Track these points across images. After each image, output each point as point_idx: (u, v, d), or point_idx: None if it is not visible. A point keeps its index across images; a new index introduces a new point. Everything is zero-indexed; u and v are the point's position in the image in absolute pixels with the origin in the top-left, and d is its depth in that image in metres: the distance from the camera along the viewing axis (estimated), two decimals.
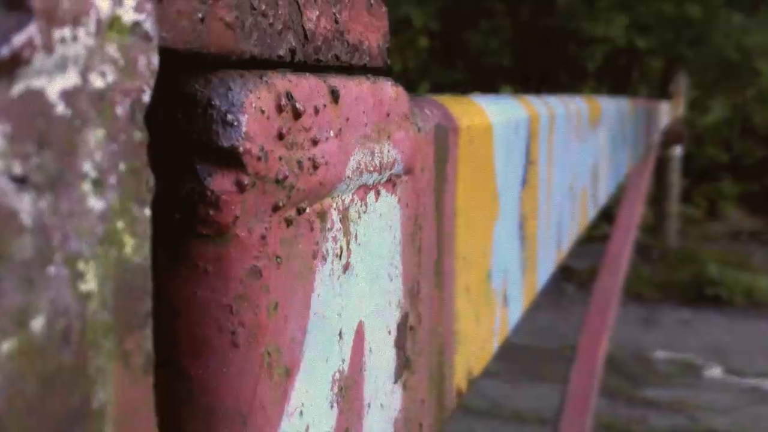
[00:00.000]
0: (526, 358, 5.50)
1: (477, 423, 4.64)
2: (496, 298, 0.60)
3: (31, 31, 0.13)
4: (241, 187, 0.25)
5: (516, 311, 0.67)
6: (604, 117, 1.30)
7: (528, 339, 5.74)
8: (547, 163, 0.78)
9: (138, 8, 0.17)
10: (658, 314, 6.65)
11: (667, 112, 5.32)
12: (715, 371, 5.52)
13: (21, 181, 0.14)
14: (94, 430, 0.16)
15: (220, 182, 0.25)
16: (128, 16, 0.17)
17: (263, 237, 0.26)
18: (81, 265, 0.16)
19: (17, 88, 0.14)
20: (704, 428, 4.63)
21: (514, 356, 5.48)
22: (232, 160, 0.25)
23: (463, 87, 9.82)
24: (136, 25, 0.17)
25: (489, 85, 10.40)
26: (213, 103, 0.25)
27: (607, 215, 3.78)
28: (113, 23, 0.16)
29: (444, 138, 0.46)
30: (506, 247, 0.62)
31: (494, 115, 0.58)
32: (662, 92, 7.55)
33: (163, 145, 0.25)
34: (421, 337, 0.42)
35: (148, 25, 0.18)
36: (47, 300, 0.15)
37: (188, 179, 0.25)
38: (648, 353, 5.78)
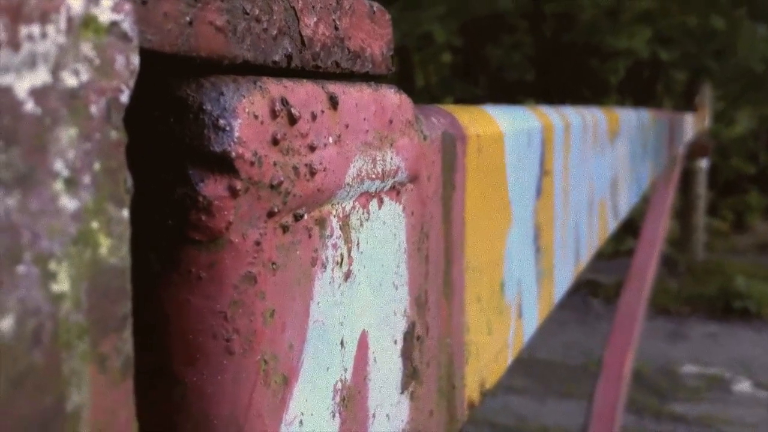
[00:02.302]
0: (553, 374, 5.46)
1: None
2: (509, 309, 0.59)
3: None
4: (234, 193, 0.25)
5: (531, 323, 0.66)
6: (624, 128, 1.29)
7: (554, 355, 5.70)
8: (563, 173, 0.78)
9: (116, 8, 0.17)
10: (686, 328, 6.59)
11: (691, 124, 5.29)
12: (743, 385, 5.45)
13: None
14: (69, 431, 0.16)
15: (213, 187, 0.25)
16: (105, 15, 0.17)
17: (258, 243, 0.26)
18: (53, 265, 0.15)
19: None
20: None
21: (541, 372, 5.45)
22: (224, 165, 0.25)
23: (485, 102, 9.78)
24: (114, 24, 0.17)
25: (511, 100, 10.38)
26: (205, 107, 0.25)
27: (633, 229, 3.76)
28: (88, 22, 0.16)
29: (451, 146, 0.45)
30: (520, 258, 0.62)
31: (505, 124, 0.58)
32: (687, 104, 7.50)
33: (155, 150, 0.25)
34: (429, 348, 0.42)
35: (127, 26, 0.18)
36: (16, 299, 0.14)
37: (180, 185, 0.25)
38: (675, 367, 5.72)
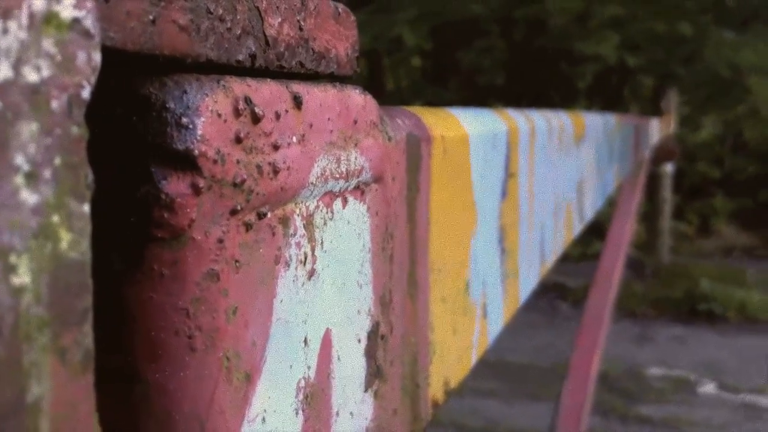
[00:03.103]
0: (522, 376, 5.49)
1: None
2: (474, 309, 0.60)
3: None
4: (196, 190, 0.25)
5: (496, 323, 0.66)
6: (590, 132, 1.30)
7: (523, 357, 5.73)
8: (529, 175, 0.78)
9: (78, 5, 0.18)
10: (652, 331, 6.65)
11: (657, 129, 5.34)
12: (708, 387, 5.52)
13: None
14: (29, 424, 0.16)
15: (176, 185, 0.25)
16: (67, 12, 0.17)
17: (221, 241, 0.26)
18: (13, 258, 0.16)
19: None
20: None
21: (510, 375, 5.47)
22: (187, 163, 0.25)
23: (456, 106, 9.82)
24: (76, 21, 0.18)
25: (482, 104, 10.42)
26: (168, 106, 0.25)
27: (600, 232, 3.79)
28: (50, 18, 0.17)
29: (416, 147, 0.46)
30: (485, 259, 0.62)
31: (471, 127, 0.58)
32: (654, 110, 7.58)
33: (118, 148, 0.25)
34: (393, 346, 0.42)
35: (89, 23, 0.18)
36: None
37: (143, 182, 0.25)
38: (642, 370, 5.78)
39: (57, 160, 0.17)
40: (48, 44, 0.16)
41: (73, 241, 0.17)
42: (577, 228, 1.22)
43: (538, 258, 0.86)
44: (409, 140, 0.45)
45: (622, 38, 8.43)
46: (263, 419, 0.29)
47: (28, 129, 0.16)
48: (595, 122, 1.44)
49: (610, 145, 1.75)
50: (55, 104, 0.17)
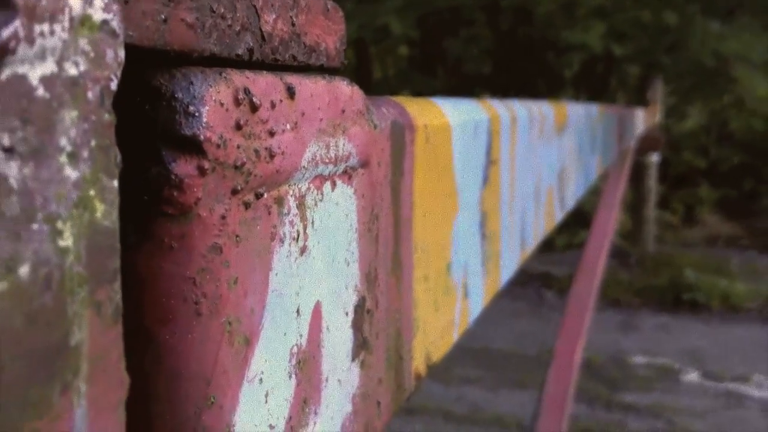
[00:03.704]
0: (507, 364, 5.54)
1: (458, 428, 4.67)
2: (456, 289, 0.63)
3: (16, 25, 0.16)
4: (202, 172, 0.28)
5: (477, 303, 0.70)
6: (571, 122, 1.33)
7: (508, 345, 5.78)
8: (510, 163, 0.82)
9: (106, 8, 0.20)
10: (636, 319, 6.71)
11: (642, 119, 5.38)
12: (692, 376, 5.58)
13: (9, 151, 0.17)
14: (71, 364, 0.19)
15: (183, 167, 0.28)
16: (98, 15, 0.20)
17: (223, 217, 0.30)
18: (59, 224, 0.19)
19: (4, 74, 0.17)
20: None
21: (495, 363, 5.52)
22: (193, 147, 0.28)
23: (442, 95, 9.86)
24: (105, 23, 0.20)
25: (469, 93, 10.45)
26: (176, 95, 0.28)
27: (586, 222, 3.84)
28: (84, 21, 0.19)
29: (400, 135, 0.49)
30: (466, 242, 0.66)
31: (453, 116, 0.61)
32: (640, 99, 7.63)
33: (133, 134, 0.28)
34: (378, 320, 0.46)
35: (115, 24, 0.21)
36: (31, 251, 0.18)
37: (155, 164, 0.28)
38: (626, 358, 5.83)
39: (93, 142, 0.20)
40: (83, 43, 0.19)
41: (105, 211, 0.20)
42: (559, 215, 1.25)
43: (518, 243, 0.90)
44: (394, 128, 0.48)
45: (608, 27, 8.47)
46: (260, 380, 0.33)
47: (70, 116, 0.19)
48: (577, 112, 1.47)
49: (593, 135, 1.78)
50: (90, 95, 0.20)
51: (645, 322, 6.67)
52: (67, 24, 0.18)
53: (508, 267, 0.84)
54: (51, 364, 0.18)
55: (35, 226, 0.18)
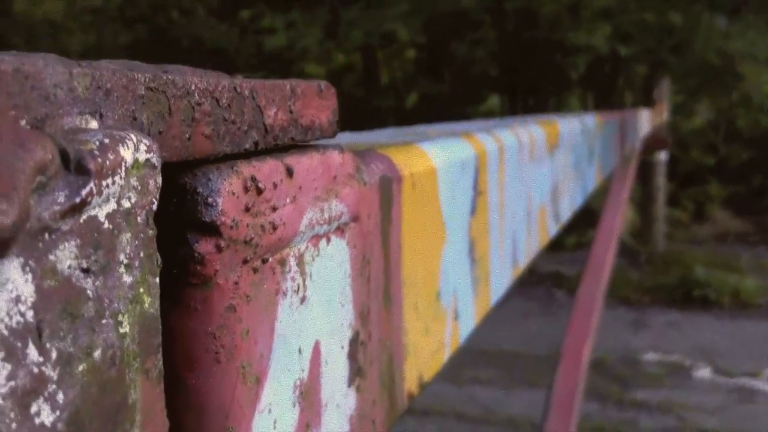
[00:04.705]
0: (518, 364, 5.61)
1: (471, 429, 4.74)
2: (446, 313, 0.70)
3: (91, 185, 0.24)
4: (219, 249, 0.36)
5: (468, 323, 0.77)
6: (564, 139, 1.40)
7: (519, 346, 5.85)
8: (498, 191, 0.89)
9: (148, 149, 0.28)
10: (647, 317, 6.76)
11: (647, 120, 5.43)
12: (703, 372, 5.63)
13: (86, 271, 0.24)
14: (129, 417, 0.26)
15: (204, 246, 0.35)
16: (142, 156, 0.27)
17: (236, 283, 0.37)
18: (120, 317, 0.26)
19: (83, 218, 0.24)
20: (693, 428, 4.74)
21: (507, 363, 5.59)
22: (212, 230, 0.35)
23: (450, 99, 9.95)
24: (148, 161, 0.28)
25: (476, 95, 10.53)
26: (198, 190, 0.35)
27: (595, 222, 3.90)
28: (134, 165, 0.27)
29: (388, 187, 0.56)
30: (455, 269, 0.73)
31: (438, 158, 0.69)
32: (647, 98, 7.68)
33: (165, 221, 0.35)
34: (371, 350, 0.53)
35: (154, 159, 0.28)
36: (102, 339, 0.25)
37: (182, 245, 0.35)
38: (637, 356, 5.89)
39: (141, 254, 0.27)
40: (133, 181, 0.27)
41: (151, 302, 0.28)
42: (553, 229, 1.32)
43: (510, 262, 0.97)
44: (382, 182, 0.55)
45: (614, 28, 8.52)
46: (269, 410, 0.40)
47: (126, 237, 0.26)
48: (571, 127, 1.54)
49: (590, 146, 1.85)
50: (139, 219, 0.27)
51: (655, 320, 6.72)
52: (123, 173, 0.26)
53: (499, 286, 0.91)
54: (116, 418, 0.25)
55: (104, 321, 0.25)
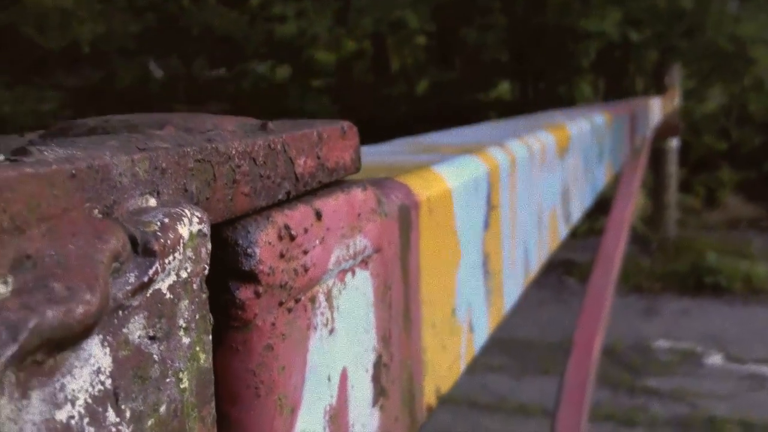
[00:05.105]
0: (530, 352, 5.65)
1: (483, 417, 4.79)
2: (461, 327, 0.74)
3: (156, 265, 0.27)
4: (257, 294, 0.39)
5: (482, 334, 0.81)
6: (575, 142, 1.43)
7: (531, 333, 5.88)
8: (510, 204, 0.92)
9: (200, 221, 0.31)
10: (658, 304, 6.78)
11: (659, 108, 5.44)
12: (715, 359, 5.65)
13: (152, 338, 0.28)
14: None
15: (244, 293, 0.39)
16: (195, 228, 0.31)
17: (273, 324, 0.41)
18: (180, 375, 0.29)
19: (149, 291, 0.28)
20: (705, 415, 4.76)
21: (518, 351, 5.63)
22: (251, 278, 0.39)
23: (460, 86, 9.96)
24: (200, 231, 0.31)
25: (487, 82, 10.54)
26: (238, 242, 0.39)
27: (607, 209, 3.92)
28: (190, 238, 0.30)
29: (407, 215, 0.60)
30: (469, 284, 0.76)
31: (452, 179, 0.72)
32: (658, 83, 7.68)
33: (210, 272, 0.39)
34: (393, 370, 0.57)
35: (206, 228, 0.32)
36: (166, 396, 0.28)
37: (224, 292, 0.39)
38: (648, 343, 5.91)
39: (197, 316, 0.31)
40: (189, 252, 0.30)
41: (205, 358, 0.31)
42: (564, 232, 1.35)
43: (522, 270, 1.00)
44: (401, 211, 0.59)
45: (624, 14, 8.50)
46: None
47: (184, 304, 0.30)
48: (581, 130, 1.57)
49: (600, 145, 1.88)
50: (194, 285, 0.30)
51: (667, 307, 6.74)
52: (181, 248, 0.29)
53: (512, 294, 0.94)
54: None
55: (168, 380, 0.29)
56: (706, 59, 8.92)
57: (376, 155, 0.85)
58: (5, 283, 0.22)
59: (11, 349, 0.21)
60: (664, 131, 6.39)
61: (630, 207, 4.02)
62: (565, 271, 7.36)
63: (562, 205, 1.31)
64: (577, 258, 7.39)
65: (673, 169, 8.24)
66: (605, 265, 3.58)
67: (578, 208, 1.52)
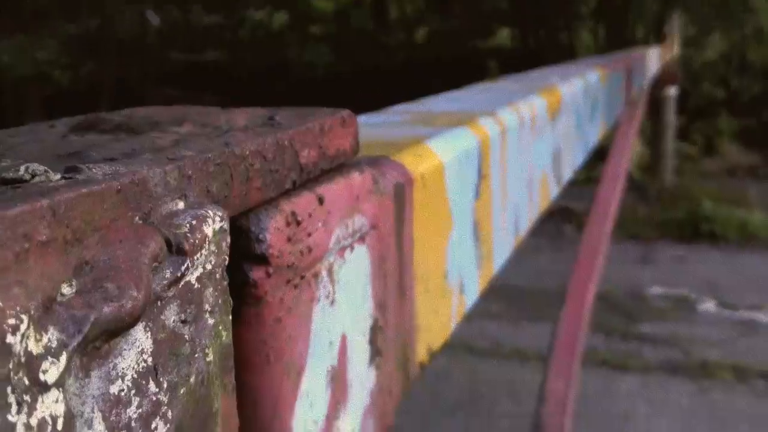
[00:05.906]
0: (527, 299, 5.74)
1: (480, 362, 4.89)
2: (452, 290, 0.80)
3: (187, 262, 0.33)
4: (268, 274, 0.45)
5: (473, 295, 0.87)
6: (567, 103, 1.48)
7: (528, 281, 5.97)
8: (500, 172, 0.98)
9: (221, 219, 0.37)
10: (654, 252, 6.86)
11: (657, 57, 5.45)
12: (708, 305, 5.73)
13: (184, 322, 0.33)
14: (215, 421, 0.36)
15: (257, 273, 0.45)
16: (217, 226, 0.37)
17: (281, 299, 0.46)
18: (207, 350, 0.35)
19: (181, 283, 0.33)
20: (698, 361, 4.86)
21: (515, 297, 5.72)
22: (263, 260, 0.45)
23: (460, 33, 9.92)
24: (221, 227, 0.37)
25: (486, 30, 10.50)
26: (251, 229, 0.45)
27: (605, 156, 3.95)
28: (213, 235, 0.36)
29: (401, 191, 0.65)
30: (461, 251, 0.82)
31: (444, 153, 0.77)
32: (659, 31, 7.66)
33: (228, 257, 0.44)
34: (388, 333, 0.63)
35: (226, 225, 0.37)
36: (195, 368, 0.34)
37: (239, 273, 0.45)
38: (643, 290, 6.00)
39: (219, 300, 0.36)
40: (213, 247, 0.36)
41: (227, 335, 0.37)
42: (555, 192, 1.41)
43: (512, 233, 1.06)
44: (396, 188, 0.64)
45: None
46: (307, 395, 0.50)
47: (209, 291, 0.35)
48: (573, 90, 1.61)
49: (593, 103, 1.92)
50: (217, 275, 0.36)
51: (663, 255, 6.81)
52: (207, 245, 0.35)
53: (501, 257, 1.00)
54: (206, 422, 0.35)
55: (196, 355, 0.34)
56: (707, 6, 8.89)
57: (373, 127, 0.90)
58: (70, 285, 0.28)
59: (77, 339, 0.27)
60: (663, 80, 6.41)
61: (626, 157, 4.06)
62: (562, 218, 7.43)
63: (553, 168, 1.36)
64: (574, 206, 7.44)
65: (671, 117, 8.26)
66: (601, 215, 3.64)
67: (569, 168, 1.57)
